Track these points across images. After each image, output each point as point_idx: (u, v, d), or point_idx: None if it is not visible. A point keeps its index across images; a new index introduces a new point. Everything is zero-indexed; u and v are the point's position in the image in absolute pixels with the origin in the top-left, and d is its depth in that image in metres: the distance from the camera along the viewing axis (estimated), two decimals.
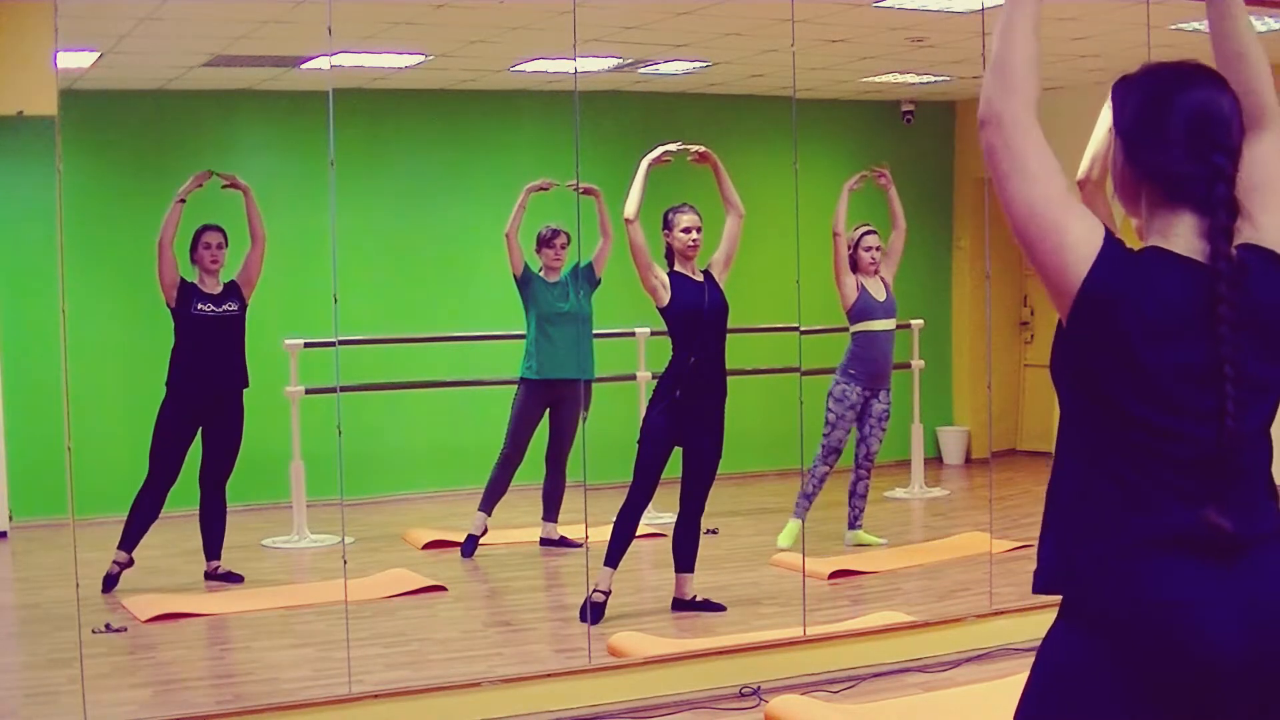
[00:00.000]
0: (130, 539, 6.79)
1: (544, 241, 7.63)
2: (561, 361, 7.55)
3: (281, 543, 7.84)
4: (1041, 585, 2.07)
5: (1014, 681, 5.73)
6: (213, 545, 7.02)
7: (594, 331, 7.72)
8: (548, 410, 7.65)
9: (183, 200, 6.70)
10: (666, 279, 6.26)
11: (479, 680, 5.24)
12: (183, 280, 6.85)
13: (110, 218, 8.55)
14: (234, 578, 7.01)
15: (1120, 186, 2.12)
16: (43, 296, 6.46)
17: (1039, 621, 6.51)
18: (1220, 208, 2.00)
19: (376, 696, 5.04)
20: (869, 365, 7.59)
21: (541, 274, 7.60)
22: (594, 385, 7.66)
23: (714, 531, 7.36)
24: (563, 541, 7.72)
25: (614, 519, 6.27)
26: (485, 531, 7.67)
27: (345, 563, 5.60)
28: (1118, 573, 1.96)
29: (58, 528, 6.44)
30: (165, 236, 6.74)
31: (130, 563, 6.80)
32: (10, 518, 8.32)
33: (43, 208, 6.60)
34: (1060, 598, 2.06)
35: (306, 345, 7.81)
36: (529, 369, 7.62)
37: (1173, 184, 2.03)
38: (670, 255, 6.35)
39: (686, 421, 6.23)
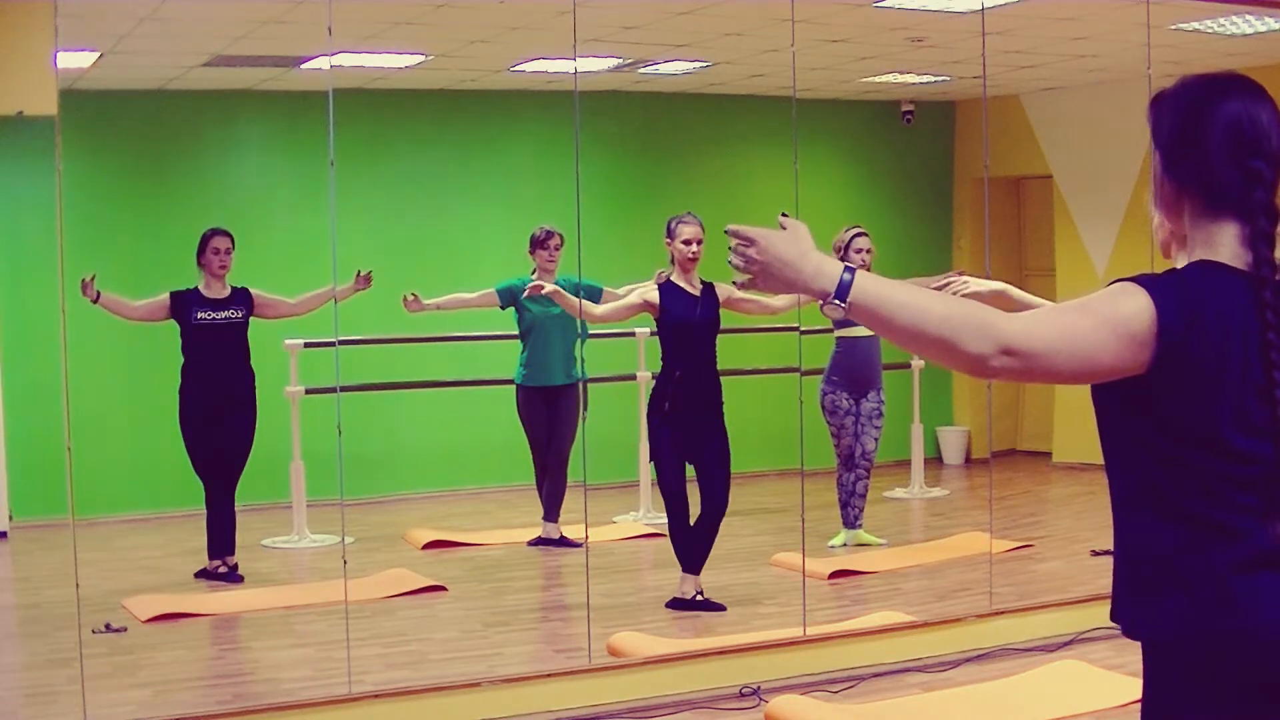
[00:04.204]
0: (217, 546, 6.99)
1: (538, 243, 7.59)
2: (552, 367, 7.56)
3: (281, 543, 7.84)
4: (1133, 630, 2.06)
5: (1014, 681, 5.75)
6: (223, 543, 7.03)
7: (593, 332, 7.72)
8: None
9: (97, 298, 6.60)
10: (656, 295, 6.31)
11: (479, 680, 5.25)
12: (173, 295, 6.87)
13: (110, 218, 8.55)
14: (234, 578, 7.02)
15: (1161, 200, 2.11)
16: (43, 297, 6.44)
17: (1038, 621, 6.51)
18: (1259, 213, 1.99)
19: (376, 696, 5.04)
20: (850, 372, 7.61)
21: (534, 276, 7.59)
22: (593, 386, 7.67)
23: None
24: (563, 541, 7.71)
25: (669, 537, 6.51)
26: (560, 537, 7.73)
27: (345, 563, 5.60)
28: (1215, 603, 1.95)
29: (58, 528, 6.43)
30: (127, 314, 6.86)
31: (235, 564, 7.02)
32: (10, 518, 8.31)
33: (43, 208, 6.59)
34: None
35: (306, 345, 7.81)
36: (522, 376, 7.64)
37: (1212, 192, 2.03)
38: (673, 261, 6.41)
39: (688, 434, 6.29)
